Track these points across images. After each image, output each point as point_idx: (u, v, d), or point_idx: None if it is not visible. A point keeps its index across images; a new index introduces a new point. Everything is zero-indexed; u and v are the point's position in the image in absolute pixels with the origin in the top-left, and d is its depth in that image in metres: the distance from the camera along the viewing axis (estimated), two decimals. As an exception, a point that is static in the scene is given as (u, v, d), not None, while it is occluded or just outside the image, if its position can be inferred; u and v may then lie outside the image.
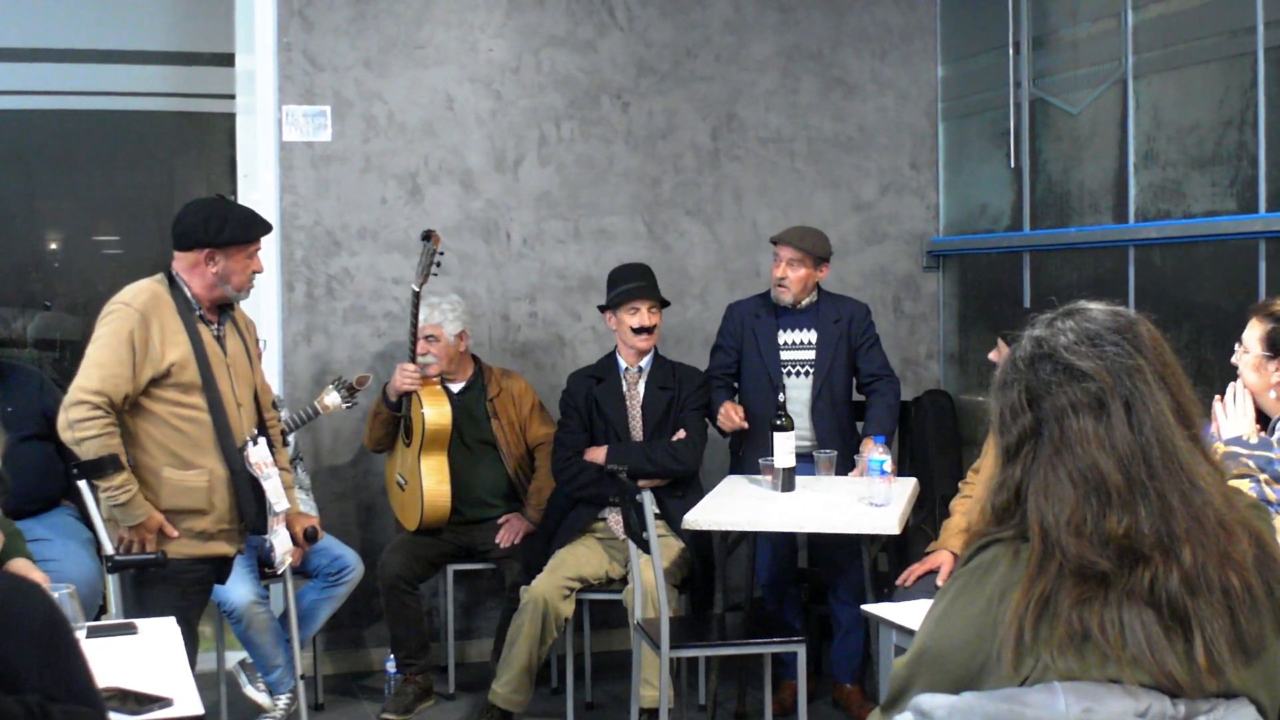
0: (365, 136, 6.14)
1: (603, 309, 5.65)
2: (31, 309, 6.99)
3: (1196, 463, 1.96)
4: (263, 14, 6.04)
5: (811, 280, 5.54)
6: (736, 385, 5.69)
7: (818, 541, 5.63)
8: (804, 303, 5.57)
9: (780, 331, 5.58)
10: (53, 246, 7.20)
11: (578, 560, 5.36)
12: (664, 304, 5.63)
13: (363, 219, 6.15)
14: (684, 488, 5.50)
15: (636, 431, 5.57)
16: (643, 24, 6.46)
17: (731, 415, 5.47)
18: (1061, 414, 1.96)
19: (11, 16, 6.42)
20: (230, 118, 6.31)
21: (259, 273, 4.34)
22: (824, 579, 5.68)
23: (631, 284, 5.54)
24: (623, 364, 5.62)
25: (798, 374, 5.55)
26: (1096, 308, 2.06)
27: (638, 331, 5.51)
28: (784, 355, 5.56)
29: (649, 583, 4.86)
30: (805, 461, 5.34)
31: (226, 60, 6.33)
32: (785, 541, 5.56)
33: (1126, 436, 1.93)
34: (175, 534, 4.11)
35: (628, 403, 5.59)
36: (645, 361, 5.61)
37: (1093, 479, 1.92)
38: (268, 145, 6.07)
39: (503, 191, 6.32)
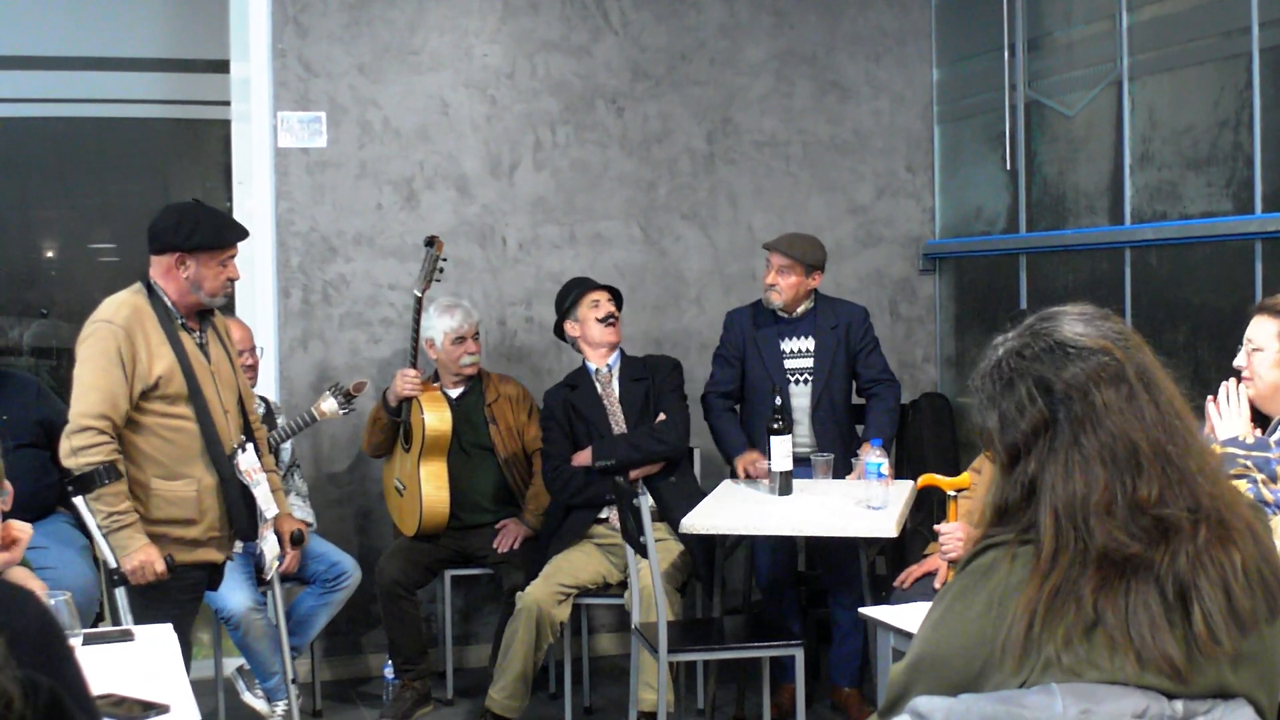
0: (360, 142, 6.14)
1: (559, 322, 5.67)
2: (28, 317, 6.99)
3: (1203, 442, 1.98)
4: (257, 20, 6.04)
5: (803, 287, 5.52)
6: (737, 406, 5.65)
7: (817, 545, 5.62)
8: (800, 310, 5.55)
9: (781, 340, 5.56)
10: (49, 254, 7.20)
11: (573, 566, 5.35)
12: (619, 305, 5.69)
13: (358, 225, 6.15)
14: (679, 476, 5.48)
15: (619, 427, 5.56)
16: (637, 28, 6.46)
17: (753, 465, 5.34)
18: (1084, 390, 1.95)
19: (6, 24, 6.42)
20: (225, 124, 6.31)
21: (234, 279, 4.27)
22: (823, 582, 5.67)
23: (580, 285, 5.61)
24: (592, 367, 5.62)
25: (798, 381, 5.54)
26: (1072, 308, 2.08)
27: (603, 321, 5.52)
28: (787, 364, 5.55)
29: (647, 586, 4.85)
30: (807, 466, 5.34)
31: (221, 67, 6.33)
32: (784, 545, 5.55)
33: (1151, 409, 1.94)
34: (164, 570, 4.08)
35: (605, 402, 5.58)
36: (613, 359, 5.62)
37: (1123, 453, 1.92)
38: (263, 152, 6.07)
39: (498, 197, 6.32)
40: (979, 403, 2.07)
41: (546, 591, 5.23)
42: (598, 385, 5.60)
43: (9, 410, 5.09)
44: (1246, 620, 1.91)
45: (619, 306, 5.65)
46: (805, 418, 5.52)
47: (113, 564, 4.02)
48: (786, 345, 5.56)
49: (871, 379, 5.59)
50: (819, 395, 5.51)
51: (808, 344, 5.55)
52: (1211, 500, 1.92)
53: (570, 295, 5.60)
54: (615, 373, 5.61)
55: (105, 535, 4.00)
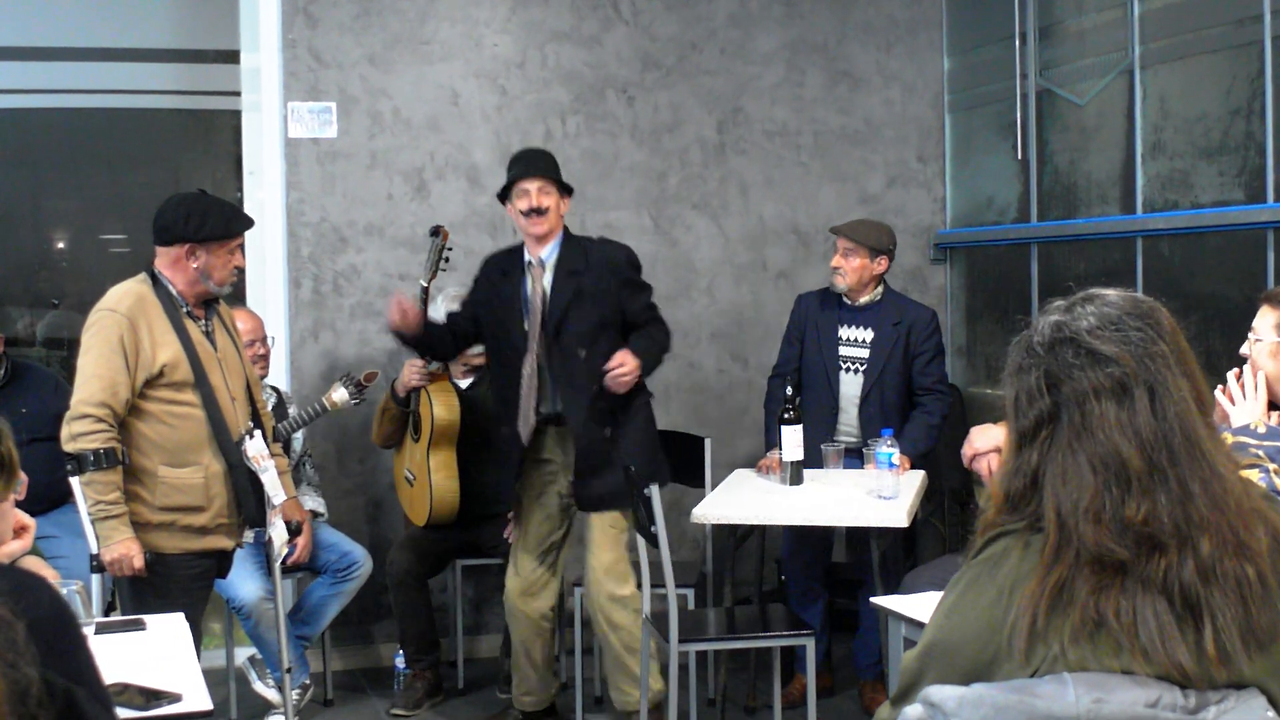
0: (371, 133, 6.14)
1: (502, 201, 5.12)
2: (39, 308, 7.01)
3: (1217, 450, 1.95)
4: (267, 11, 6.04)
5: (867, 272, 5.50)
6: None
7: (852, 536, 5.57)
8: (865, 300, 5.54)
9: (841, 326, 5.56)
10: (59, 245, 7.22)
11: (526, 546, 5.12)
12: (567, 190, 5.05)
13: (369, 215, 6.15)
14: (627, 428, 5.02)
15: (535, 327, 4.96)
16: (647, 18, 6.45)
17: (766, 466, 5.36)
18: (1083, 398, 1.94)
19: (17, 15, 6.43)
20: (236, 115, 6.32)
21: (241, 268, 4.30)
22: (857, 574, 5.62)
23: (519, 167, 5.04)
24: (527, 256, 5.05)
25: (851, 370, 5.52)
26: (1115, 293, 2.04)
27: (528, 214, 4.95)
28: (841, 350, 5.54)
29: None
30: (853, 457, 5.35)
31: (232, 57, 6.34)
32: (807, 535, 5.49)
33: (1150, 422, 1.91)
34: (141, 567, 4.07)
35: (532, 298, 4.99)
36: (547, 252, 5.00)
37: (1113, 465, 1.90)
38: (273, 142, 6.07)
39: (509, 187, 6.31)
40: (1006, 371, 2.06)
41: (516, 588, 5.10)
42: (529, 276, 5.02)
43: (28, 404, 5.12)
44: (1264, 638, 1.89)
45: (568, 192, 5.06)
46: (852, 406, 5.51)
47: (94, 550, 4.05)
48: (845, 332, 5.54)
49: (924, 387, 5.52)
50: (869, 387, 5.48)
51: (866, 334, 5.53)
52: (1218, 515, 1.90)
53: (508, 177, 5.08)
54: (550, 266, 5.00)
55: (92, 522, 4.02)
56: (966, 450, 4.22)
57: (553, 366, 4.95)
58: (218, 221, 4.20)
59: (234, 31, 6.25)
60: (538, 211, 4.94)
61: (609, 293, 4.98)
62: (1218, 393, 3.59)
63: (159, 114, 6.80)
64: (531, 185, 4.95)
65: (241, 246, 4.30)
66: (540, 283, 4.99)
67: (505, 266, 5.09)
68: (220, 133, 6.68)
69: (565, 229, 5.07)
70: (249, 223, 4.35)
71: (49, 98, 6.69)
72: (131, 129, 6.90)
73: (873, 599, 3.90)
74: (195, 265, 4.18)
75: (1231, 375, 3.60)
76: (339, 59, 6.09)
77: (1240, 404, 3.55)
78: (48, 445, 4.95)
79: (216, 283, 4.23)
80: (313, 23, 6.05)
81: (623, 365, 4.81)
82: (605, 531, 5.00)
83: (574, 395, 4.93)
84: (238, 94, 6.28)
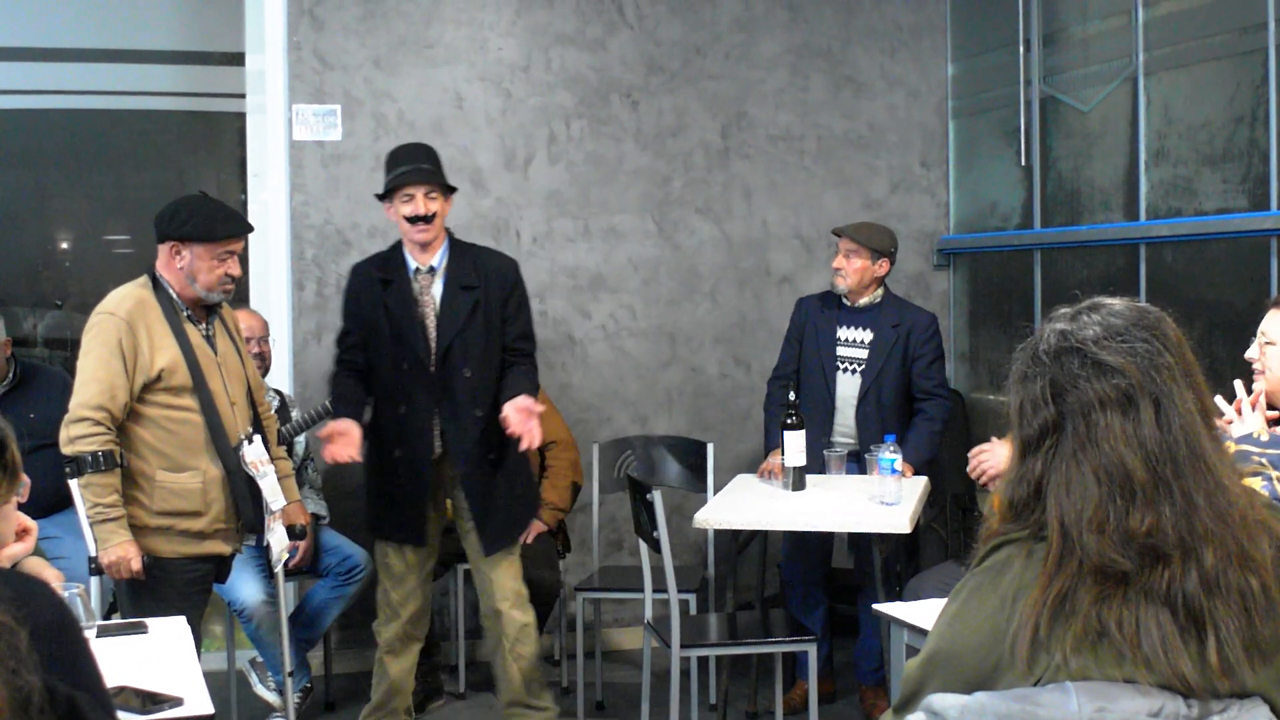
0: (375, 135, 6.14)
1: (381, 198, 4.84)
2: (42, 308, 7.01)
3: (1221, 462, 1.94)
4: (272, 13, 6.04)
5: (869, 273, 5.49)
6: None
7: (853, 541, 5.57)
8: (864, 301, 5.54)
9: (839, 327, 5.55)
10: (63, 246, 7.22)
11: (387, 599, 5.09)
12: (450, 189, 4.83)
13: (373, 218, 6.15)
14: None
15: (431, 341, 4.74)
16: (652, 22, 6.46)
17: (767, 470, 5.35)
18: (1088, 409, 1.94)
19: (21, 16, 6.44)
20: (240, 117, 6.32)
21: (234, 276, 4.20)
22: (857, 580, 5.62)
23: (404, 167, 4.74)
24: (412, 263, 4.79)
25: (848, 371, 5.51)
26: (1120, 303, 2.03)
27: (414, 221, 4.69)
28: (839, 351, 5.53)
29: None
30: (852, 461, 5.34)
31: (236, 59, 6.35)
32: (808, 540, 5.48)
33: (1154, 434, 1.91)
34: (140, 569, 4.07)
35: (421, 308, 4.76)
36: (437, 259, 4.77)
37: (1118, 476, 1.90)
38: (278, 144, 6.08)
39: (512, 190, 6.32)
40: (1010, 379, 2.06)
41: (384, 641, 5.11)
42: (415, 286, 4.77)
43: (36, 409, 5.11)
44: (1267, 649, 1.88)
45: (452, 191, 4.84)
46: (849, 407, 5.49)
47: (93, 553, 4.05)
48: (843, 333, 5.53)
49: (925, 390, 5.49)
50: (866, 388, 5.47)
51: (865, 335, 5.52)
52: (1222, 527, 1.89)
53: (390, 179, 4.77)
54: (440, 273, 4.77)
55: (90, 524, 4.02)
56: (985, 466, 4.20)
57: (441, 383, 4.76)
58: (200, 222, 4.14)
59: (239, 34, 6.25)
60: (424, 219, 4.70)
61: (497, 309, 4.78)
62: (1236, 401, 3.58)
63: (163, 116, 6.81)
64: (418, 190, 4.70)
65: (236, 255, 4.21)
66: (430, 292, 4.77)
67: (386, 274, 4.79)
68: (224, 135, 6.69)
69: (448, 233, 4.84)
70: (236, 229, 4.23)
71: (53, 99, 6.69)
72: (136, 131, 6.90)
73: (875, 605, 3.89)
74: (180, 265, 4.15)
75: (1226, 400, 3.59)
76: (344, 62, 6.09)
77: (1241, 416, 3.55)
78: (54, 451, 4.95)
79: (203, 287, 4.16)
80: (318, 25, 6.05)
81: (527, 421, 4.58)
82: (508, 561, 4.95)
83: (457, 415, 4.76)
84: (242, 96, 6.29)
